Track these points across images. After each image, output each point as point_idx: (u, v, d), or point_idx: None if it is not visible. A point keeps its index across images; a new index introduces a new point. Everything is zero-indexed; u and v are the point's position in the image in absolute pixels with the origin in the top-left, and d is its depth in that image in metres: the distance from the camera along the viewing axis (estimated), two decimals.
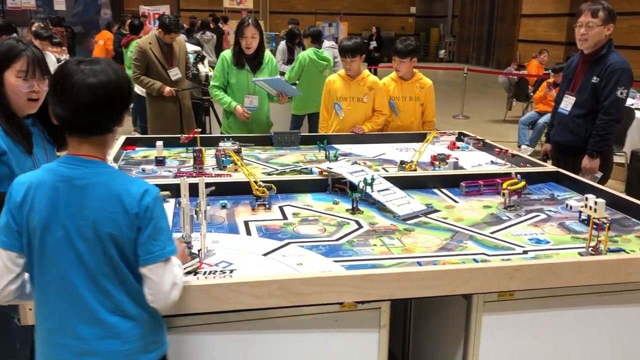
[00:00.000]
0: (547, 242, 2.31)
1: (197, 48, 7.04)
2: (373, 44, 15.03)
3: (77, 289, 1.51)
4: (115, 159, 3.25)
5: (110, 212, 1.48)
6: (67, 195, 1.49)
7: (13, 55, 1.94)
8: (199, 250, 2.00)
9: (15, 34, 6.61)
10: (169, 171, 3.12)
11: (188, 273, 1.86)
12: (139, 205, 1.49)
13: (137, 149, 3.64)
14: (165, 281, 1.53)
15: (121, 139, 3.63)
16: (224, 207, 2.59)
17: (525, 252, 2.20)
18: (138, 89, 6.41)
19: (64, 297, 1.52)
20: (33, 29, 6.92)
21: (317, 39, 6.48)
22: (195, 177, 2.96)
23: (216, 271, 1.94)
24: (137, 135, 6.35)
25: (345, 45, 4.09)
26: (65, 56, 7.70)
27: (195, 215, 2.09)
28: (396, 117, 4.22)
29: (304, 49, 6.71)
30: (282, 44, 8.34)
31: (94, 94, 1.45)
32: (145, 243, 1.51)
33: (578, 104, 3.62)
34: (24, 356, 2.11)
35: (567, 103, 3.68)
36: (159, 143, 3.35)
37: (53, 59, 6.50)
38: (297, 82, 6.28)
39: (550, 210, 2.68)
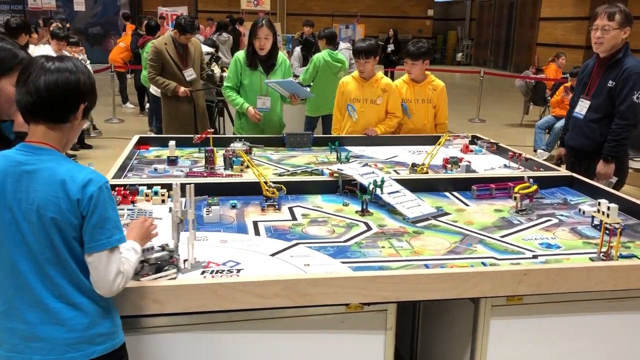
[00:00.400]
0: (558, 247, 2.28)
1: (211, 49, 7.07)
2: (390, 47, 15.00)
3: (23, 272, 1.54)
4: (129, 158, 3.27)
5: (53, 197, 1.51)
6: (15, 179, 1.53)
7: (14, 64, 1.90)
8: (184, 261, 1.92)
9: (33, 34, 6.71)
10: (181, 171, 3.14)
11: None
12: (82, 192, 1.51)
13: (150, 148, 3.67)
14: (110, 269, 1.55)
15: (135, 138, 3.67)
16: (233, 207, 2.60)
17: (535, 256, 2.18)
18: (153, 90, 6.48)
19: (10, 281, 1.55)
20: (51, 28, 7.02)
21: (331, 41, 6.49)
22: (206, 177, 2.98)
23: (223, 270, 1.95)
24: (152, 135, 6.40)
25: (359, 46, 4.09)
26: (83, 56, 7.78)
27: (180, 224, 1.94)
28: (409, 119, 4.20)
29: (318, 52, 6.72)
30: (298, 51, 8.36)
31: (48, 81, 1.53)
32: (91, 231, 1.53)
33: (593, 108, 3.57)
34: None
35: (582, 107, 3.64)
36: (172, 143, 3.37)
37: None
38: (312, 83, 6.29)
39: (562, 215, 2.65)
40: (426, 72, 4.23)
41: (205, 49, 6.29)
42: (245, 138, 3.70)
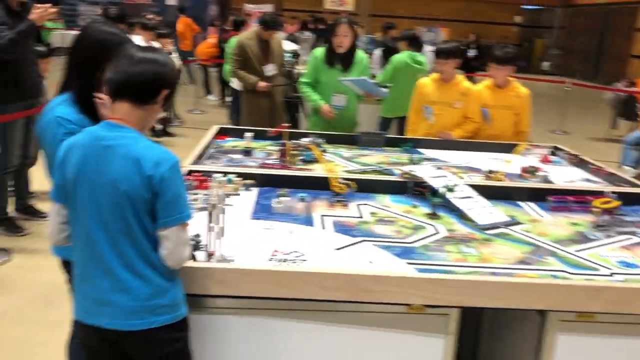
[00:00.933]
0: (638, 267, 2.16)
1: (296, 47, 7.16)
2: (473, 52, 14.63)
3: (96, 241, 1.65)
4: (207, 146, 3.39)
5: (128, 172, 1.61)
6: (95, 153, 1.65)
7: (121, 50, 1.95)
8: (210, 255, 1.91)
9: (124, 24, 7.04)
10: (254, 162, 3.22)
11: None
12: (154, 169, 1.61)
13: (227, 138, 3.78)
14: (181, 242, 1.67)
15: (214, 128, 3.79)
16: (302, 199, 2.64)
17: (611, 274, 2.08)
18: (235, 83, 6.66)
19: (86, 248, 1.68)
20: (142, 20, 7.36)
21: (413, 43, 6.40)
22: (279, 169, 3.03)
23: (287, 259, 1.98)
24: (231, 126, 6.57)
25: (440, 47, 4.04)
26: (172, 47, 8.09)
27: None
28: (488, 125, 4.09)
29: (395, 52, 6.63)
30: (379, 52, 8.28)
31: (137, 65, 1.66)
32: (165, 207, 1.63)
33: None
34: None
35: None
36: (248, 134, 3.46)
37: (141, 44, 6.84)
38: (389, 84, 6.24)
39: None
40: (509, 78, 4.10)
41: (291, 46, 6.38)
42: (319, 134, 3.73)
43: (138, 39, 6.80)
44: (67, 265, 2.14)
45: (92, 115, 2.03)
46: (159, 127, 8.00)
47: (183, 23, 12.89)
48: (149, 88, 1.68)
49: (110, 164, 1.63)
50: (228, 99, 10.47)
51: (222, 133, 3.84)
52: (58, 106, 2.06)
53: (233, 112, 7.87)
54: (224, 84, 10.22)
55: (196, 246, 1.92)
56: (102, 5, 18.84)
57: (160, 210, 1.64)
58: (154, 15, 10.36)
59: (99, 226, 1.65)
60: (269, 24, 5.31)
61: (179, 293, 1.74)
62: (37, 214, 4.73)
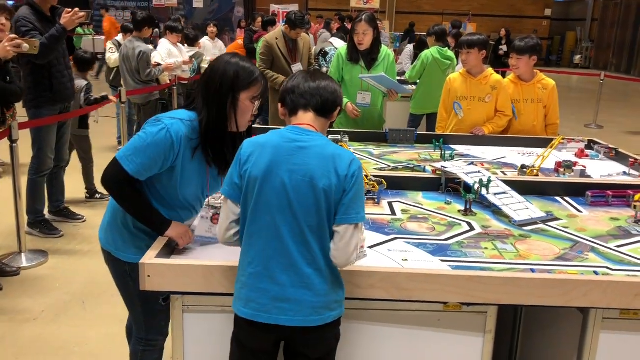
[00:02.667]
0: None
1: (343, 43, 7.06)
2: (503, 48, 14.38)
3: (283, 236, 1.68)
4: None
5: (325, 170, 1.69)
6: (288, 153, 1.71)
7: (252, 81, 2.01)
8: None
9: (157, 29, 7.14)
10: None
11: None
12: (348, 169, 1.69)
13: (260, 138, 3.77)
14: (352, 241, 1.69)
15: None
16: None
17: None
18: None
19: (270, 244, 1.69)
20: (168, 23, 7.45)
21: (441, 38, 6.32)
22: None
23: None
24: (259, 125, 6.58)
25: (463, 38, 3.97)
26: (200, 50, 8.14)
27: None
28: (515, 120, 4.01)
29: (424, 48, 6.55)
30: (410, 48, 8.21)
31: (326, 81, 1.84)
32: (346, 205, 1.69)
33: None
34: (166, 333, 2.24)
35: None
36: None
37: (168, 47, 6.88)
38: (418, 81, 6.18)
39: None
40: (535, 70, 4.00)
41: (339, 43, 6.31)
42: (345, 132, 3.69)
43: (166, 42, 6.88)
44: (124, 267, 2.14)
45: (210, 144, 2.02)
46: None
47: (108, 22, 13.18)
48: (331, 103, 1.83)
49: (306, 163, 1.70)
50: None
51: (249, 133, 3.84)
52: (178, 120, 2.00)
53: (262, 113, 7.88)
54: None
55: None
56: (130, 9, 19.16)
57: (342, 207, 1.69)
58: (182, 18, 10.44)
59: (287, 222, 1.68)
60: (296, 23, 5.31)
61: (344, 289, 1.78)
62: (71, 216, 4.82)
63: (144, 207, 2.04)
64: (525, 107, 3.97)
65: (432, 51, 6.12)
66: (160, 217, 2.05)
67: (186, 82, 7.37)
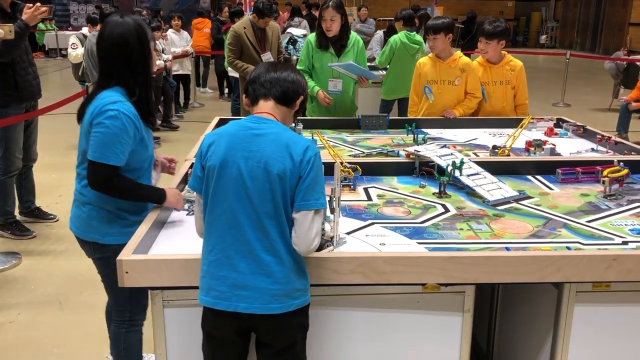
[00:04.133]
0: None
1: (304, 31, 7.05)
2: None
3: (241, 223, 1.70)
4: None
5: (279, 156, 1.70)
6: (243, 140, 1.74)
7: (149, 28, 2.22)
8: (331, 238, 1.98)
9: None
10: None
11: None
12: (303, 154, 1.71)
13: (220, 129, 3.75)
14: (312, 228, 1.71)
15: (215, 119, 3.77)
16: None
17: (625, 242, 2.06)
18: (233, 73, 6.64)
19: (228, 231, 1.71)
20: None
21: (409, 22, 6.30)
22: None
23: None
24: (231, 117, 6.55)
25: (429, 23, 3.99)
26: (164, 40, 8.04)
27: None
28: (485, 103, 4.06)
29: (393, 33, 6.55)
30: (380, 33, 8.23)
31: (285, 70, 1.86)
32: (303, 191, 1.70)
33: None
34: (146, 310, 2.36)
35: None
36: None
37: None
38: (388, 66, 6.19)
39: None
40: (503, 52, 4.05)
41: (301, 31, 6.29)
42: (298, 120, 3.63)
43: None
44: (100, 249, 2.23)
45: (146, 106, 2.18)
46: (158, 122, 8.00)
47: None
48: (291, 92, 1.84)
49: (260, 150, 1.71)
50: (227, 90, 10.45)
51: (224, 124, 3.81)
52: (121, 102, 2.10)
53: (233, 103, 7.84)
54: (223, 75, 10.17)
55: (320, 245, 1.87)
56: (94, 3, 18.75)
57: (298, 194, 1.70)
58: (146, 10, 10.26)
59: (245, 209, 1.70)
60: (264, 11, 5.26)
61: (308, 277, 1.78)
62: (43, 216, 4.73)
63: (138, 190, 2.19)
64: (495, 89, 4.03)
65: (400, 36, 6.11)
66: (155, 190, 2.23)
67: (154, 75, 7.25)
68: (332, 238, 1.97)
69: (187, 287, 1.81)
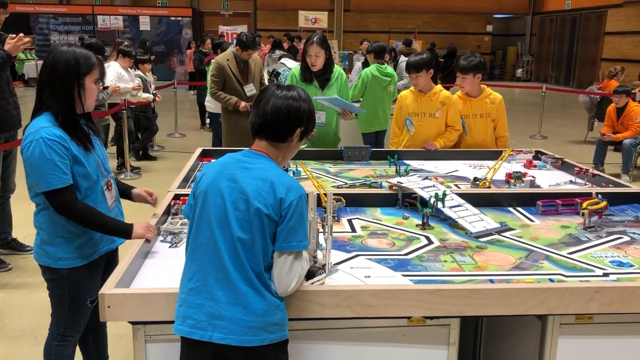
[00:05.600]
0: (631, 266, 2.18)
1: (297, 63, 7.10)
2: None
3: (221, 252, 1.70)
4: (192, 169, 3.36)
5: (263, 191, 1.71)
6: (232, 170, 1.77)
7: (92, 65, 2.23)
8: (323, 265, 1.99)
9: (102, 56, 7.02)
10: None
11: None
12: (285, 194, 1.71)
13: (212, 160, 3.75)
14: (292, 270, 1.71)
15: (198, 150, 3.77)
16: None
17: (605, 274, 2.09)
18: (212, 106, 6.65)
19: (209, 258, 1.71)
20: (120, 47, 7.32)
21: (380, 55, 6.32)
22: None
23: None
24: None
25: (410, 61, 4.07)
26: (149, 73, 8.05)
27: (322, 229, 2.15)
28: (466, 135, 4.12)
29: (367, 66, 6.63)
30: (359, 65, 8.36)
31: (274, 107, 1.81)
32: (287, 233, 1.71)
33: None
34: (82, 330, 2.44)
35: None
36: None
37: (119, 71, 6.79)
38: (361, 99, 6.21)
39: (634, 233, 2.53)
40: (482, 85, 4.14)
41: (291, 63, 6.35)
42: (302, 151, 3.70)
43: (116, 66, 6.77)
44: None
45: (73, 128, 2.20)
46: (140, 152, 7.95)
47: None
48: (284, 129, 1.83)
49: (246, 182, 1.73)
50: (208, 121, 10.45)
51: (206, 155, 3.82)
52: (43, 129, 2.14)
53: (214, 139, 7.83)
54: (204, 107, 10.19)
55: (311, 273, 1.90)
56: (74, 34, 18.78)
57: (282, 235, 1.71)
58: (128, 41, 10.29)
59: (225, 238, 1.70)
60: (247, 43, 5.32)
61: (286, 313, 1.76)
62: (20, 248, 4.63)
63: (102, 219, 2.21)
64: (475, 121, 4.10)
65: (371, 69, 6.15)
66: (122, 222, 2.28)
67: (135, 105, 7.26)
68: (323, 266, 1.97)
69: (171, 321, 1.78)
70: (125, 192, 2.54)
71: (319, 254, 2.05)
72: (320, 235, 2.19)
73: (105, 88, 6.19)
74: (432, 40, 18.51)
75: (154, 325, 1.84)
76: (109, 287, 1.80)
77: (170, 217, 2.56)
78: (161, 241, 2.34)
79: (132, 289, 1.88)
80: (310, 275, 1.88)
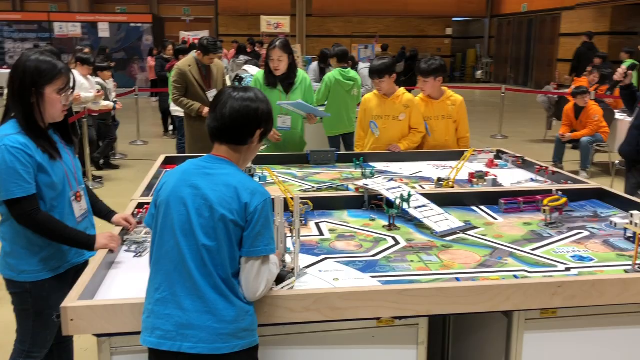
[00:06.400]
0: (591, 260, 2.24)
1: (258, 70, 7.11)
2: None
3: (187, 260, 1.67)
4: (155, 177, 3.31)
5: (227, 197, 1.69)
6: (194, 177, 1.74)
7: (55, 74, 2.16)
8: (292, 269, 1.99)
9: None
10: None
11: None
12: (250, 199, 1.70)
13: (176, 167, 3.70)
14: (260, 275, 1.70)
15: (161, 158, 3.71)
16: None
17: (567, 269, 2.14)
18: (177, 110, 6.58)
19: (175, 267, 1.69)
20: (79, 55, 7.18)
21: (343, 59, 6.32)
22: None
23: None
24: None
25: (372, 66, 4.11)
26: (109, 80, 7.91)
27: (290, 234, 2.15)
28: (429, 137, 4.18)
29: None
30: (314, 64, 8.48)
31: (232, 110, 1.78)
32: (253, 238, 1.69)
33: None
34: (49, 346, 2.38)
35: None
36: None
37: (79, 79, 6.67)
38: (326, 103, 6.24)
39: (593, 228, 2.61)
40: (443, 88, 4.21)
41: (254, 69, 6.32)
42: (269, 156, 3.69)
43: (76, 74, 6.62)
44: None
45: (37, 136, 2.16)
46: (101, 160, 7.80)
47: None
48: (243, 132, 1.80)
49: (209, 189, 1.70)
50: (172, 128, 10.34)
51: (170, 162, 3.77)
52: (7, 136, 2.11)
53: (179, 142, 7.74)
54: (167, 113, 10.07)
55: (281, 277, 1.90)
56: (30, 41, 18.32)
57: (248, 240, 1.69)
58: (87, 48, 10.07)
59: (190, 247, 1.68)
60: (209, 48, 5.28)
61: (255, 318, 1.75)
62: None
63: (64, 230, 2.17)
64: (437, 123, 4.15)
65: (334, 73, 6.18)
66: (84, 234, 2.23)
67: (97, 114, 7.12)
68: (292, 269, 1.97)
69: (137, 332, 1.75)
70: (105, 215, 2.48)
71: (288, 258, 2.04)
72: (288, 239, 2.18)
73: None
74: (392, 44, 18.71)
75: (120, 337, 1.80)
76: (72, 300, 1.75)
77: (131, 230, 2.51)
78: (125, 251, 2.30)
79: (96, 301, 1.83)
80: (279, 279, 1.87)
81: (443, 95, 4.16)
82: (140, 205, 2.66)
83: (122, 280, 2.03)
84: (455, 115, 4.16)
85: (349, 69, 6.33)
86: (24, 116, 2.14)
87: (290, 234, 2.16)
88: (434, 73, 4.04)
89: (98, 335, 1.79)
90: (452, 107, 4.14)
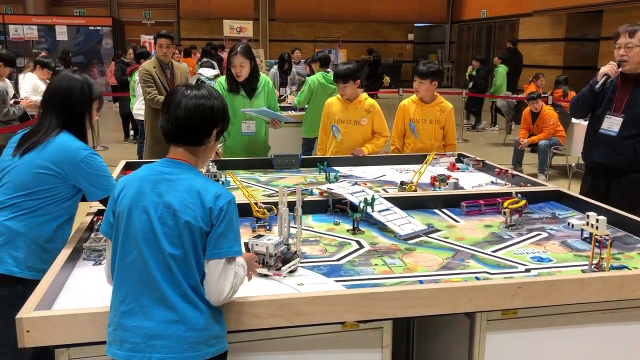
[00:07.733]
0: (550, 260, 2.29)
1: (215, 71, 7.12)
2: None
3: (152, 270, 1.63)
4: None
5: (190, 203, 1.66)
6: (153, 185, 1.69)
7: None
8: (295, 252, 2.11)
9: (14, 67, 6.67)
10: None
11: (291, 272, 2.08)
12: (214, 202, 1.66)
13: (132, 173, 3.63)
14: (224, 277, 1.66)
15: (121, 163, 3.65)
16: None
17: (527, 270, 2.19)
18: (139, 114, 6.48)
19: (140, 278, 1.64)
20: (37, 58, 6.97)
21: (325, 63, 6.67)
22: None
23: None
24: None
25: (337, 71, 4.13)
26: None
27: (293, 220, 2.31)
28: (415, 139, 4.22)
29: (312, 74, 6.86)
30: (274, 69, 8.67)
31: (189, 111, 1.73)
32: (215, 239, 1.66)
33: (627, 124, 3.40)
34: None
35: (612, 124, 3.45)
36: None
37: (38, 83, 6.49)
38: (307, 105, 6.40)
39: (551, 229, 2.67)
40: (435, 93, 4.25)
41: (211, 72, 6.33)
42: (213, 161, 3.59)
43: (33, 78, 6.45)
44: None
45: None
46: None
47: None
48: (199, 131, 1.76)
49: (171, 195, 1.66)
50: (132, 133, 10.17)
51: (130, 167, 3.69)
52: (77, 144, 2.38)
53: (140, 145, 7.62)
54: (128, 118, 9.90)
55: (286, 259, 2.04)
56: None
57: (211, 241, 1.66)
58: (45, 51, 9.80)
59: (155, 256, 1.63)
60: (159, 33, 5.41)
61: (224, 325, 1.73)
62: None
63: None
64: (424, 126, 4.18)
65: (317, 77, 6.41)
66: None
67: None
68: (296, 252, 2.09)
69: (96, 342, 1.71)
70: None
71: (290, 242, 2.20)
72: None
73: (17, 102, 5.86)
74: (355, 49, 18.85)
75: (79, 348, 1.75)
76: (28, 311, 1.70)
77: (93, 234, 2.45)
78: (84, 259, 2.24)
79: (53, 311, 1.78)
80: (286, 261, 1.96)
81: (434, 101, 4.19)
82: (99, 213, 2.60)
83: (81, 289, 1.98)
84: (442, 122, 4.19)
85: (331, 72, 6.50)
86: (84, 130, 2.43)
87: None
88: (431, 76, 4.08)
89: (55, 347, 1.74)
90: (441, 114, 4.17)
